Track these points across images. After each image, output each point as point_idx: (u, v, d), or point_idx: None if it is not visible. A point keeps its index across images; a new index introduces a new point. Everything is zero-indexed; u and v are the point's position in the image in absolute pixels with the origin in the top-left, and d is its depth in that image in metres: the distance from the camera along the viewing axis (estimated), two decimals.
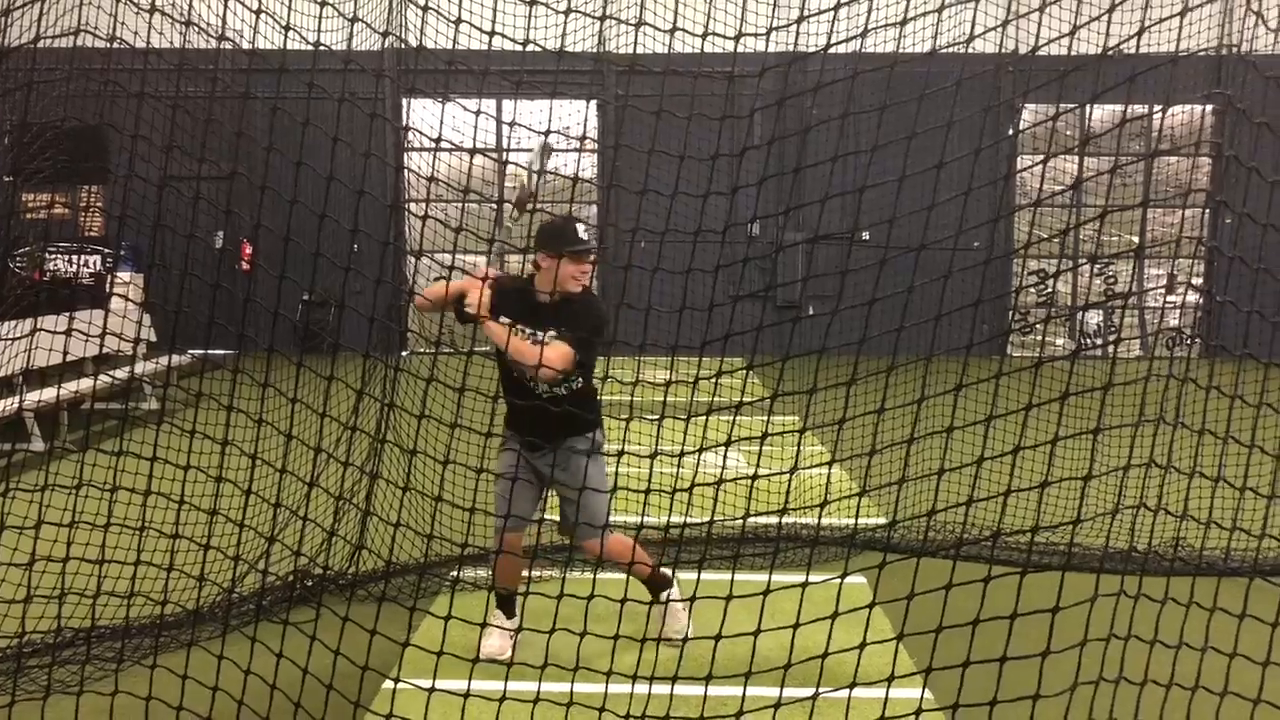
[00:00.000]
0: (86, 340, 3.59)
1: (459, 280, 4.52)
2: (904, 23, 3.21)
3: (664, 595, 4.93)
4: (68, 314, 3.66)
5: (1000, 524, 3.10)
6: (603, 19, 3.86)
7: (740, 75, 3.84)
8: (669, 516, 3.60)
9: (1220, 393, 3.13)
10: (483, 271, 4.59)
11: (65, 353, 3.97)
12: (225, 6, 3.56)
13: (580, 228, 4.70)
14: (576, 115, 15.57)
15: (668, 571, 5.00)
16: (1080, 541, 4.04)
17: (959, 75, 3.36)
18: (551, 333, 4.60)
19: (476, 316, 4.51)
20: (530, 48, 3.50)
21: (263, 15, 3.44)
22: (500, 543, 4.58)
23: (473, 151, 3.51)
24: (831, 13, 3.18)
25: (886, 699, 3.04)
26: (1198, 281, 14.63)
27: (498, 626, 4.69)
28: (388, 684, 3.53)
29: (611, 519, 4.81)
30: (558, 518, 5.06)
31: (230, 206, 3.86)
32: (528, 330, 4.62)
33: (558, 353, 4.46)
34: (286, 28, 3.30)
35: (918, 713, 3.09)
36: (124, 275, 13.57)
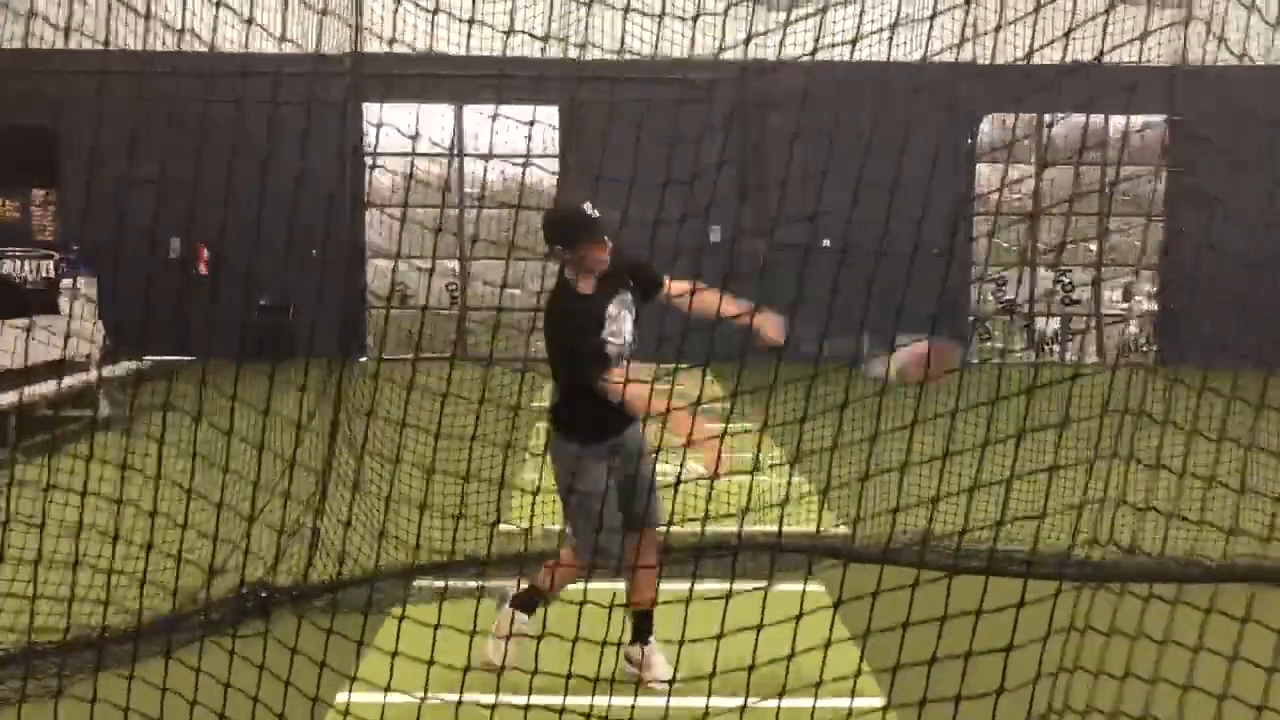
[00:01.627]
0: (48, 344, 3.50)
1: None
2: (855, 42, 3.20)
3: (650, 640, 4.65)
4: (20, 320, 3.56)
5: (965, 526, 3.10)
6: (545, 39, 3.78)
7: (696, 86, 3.81)
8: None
9: (1175, 426, 3.14)
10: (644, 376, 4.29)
11: (35, 356, 3.86)
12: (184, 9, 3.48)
13: (587, 206, 4.49)
14: (530, 124, 15.50)
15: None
16: (1040, 549, 4.11)
17: (917, 81, 3.36)
18: (624, 314, 4.47)
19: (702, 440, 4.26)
20: (485, 49, 3.46)
21: (220, 18, 3.36)
22: (592, 556, 4.27)
23: (414, 155, 3.45)
24: (806, 19, 3.16)
25: (851, 710, 3.01)
26: (1151, 289, 14.83)
27: (517, 633, 4.42)
28: (342, 695, 3.45)
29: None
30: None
31: (183, 210, 3.78)
32: (610, 315, 4.48)
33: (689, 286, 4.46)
34: (249, 21, 3.23)
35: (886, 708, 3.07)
36: (75, 280, 13.35)
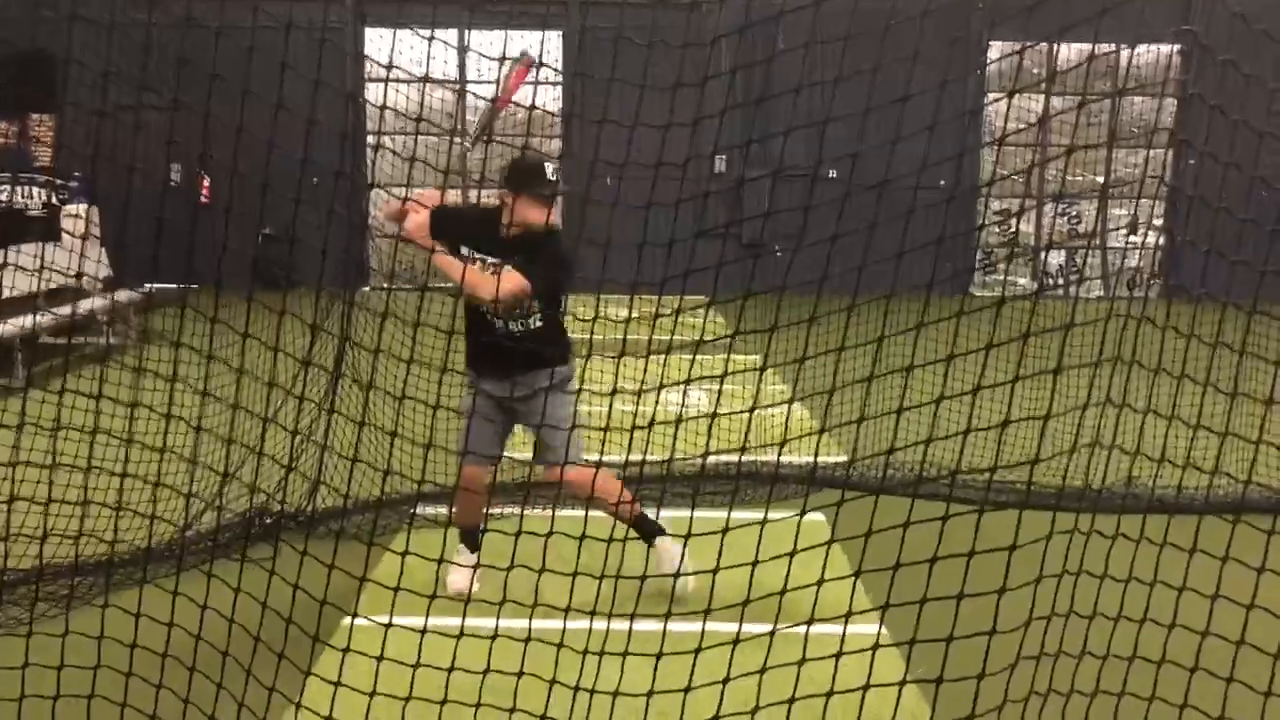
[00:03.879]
0: (53, 273, 3.50)
1: (402, 201, 4.47)
2: None
3: (657, 540, 4.93)
4: (16, 247, 3.56)
5: (959, 463, 3.12)
6: None
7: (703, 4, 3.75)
8: (627, 454, 3.58)
9: (1176, 332, 3.15)
10: (433, 195, 4.54)
11: (41, 284, 3.86)
12: None
13: (549, 168, 4.66)
14: (536, 45, 15.32)
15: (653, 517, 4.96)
16: (1037, 480, 4.10)
17: (925, 7, 3.30)
18: (507, 266, 4.56)
19: (416, 241, 4.46)
20: None
21: None
22: (459, 478, 4.58)
23: (427, 80, 3.42)
24: None
25: (844, 635, 3.06)
26: (1159, 222, 14.74)
27: (458, 564, 4.70)
28: (346, 620, 3.51)
29: (589, 457, 4.78)
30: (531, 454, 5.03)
31: (186, 138, 3.75)
32: (489, 260, 4.59)
33: (511, 281, 4.44)
34: None
35: (874, 648, 3.12)
36: (76, 208, 13.27)
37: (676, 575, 4.34)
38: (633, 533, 4.82)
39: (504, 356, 4.63)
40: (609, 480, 4.72)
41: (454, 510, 4.93)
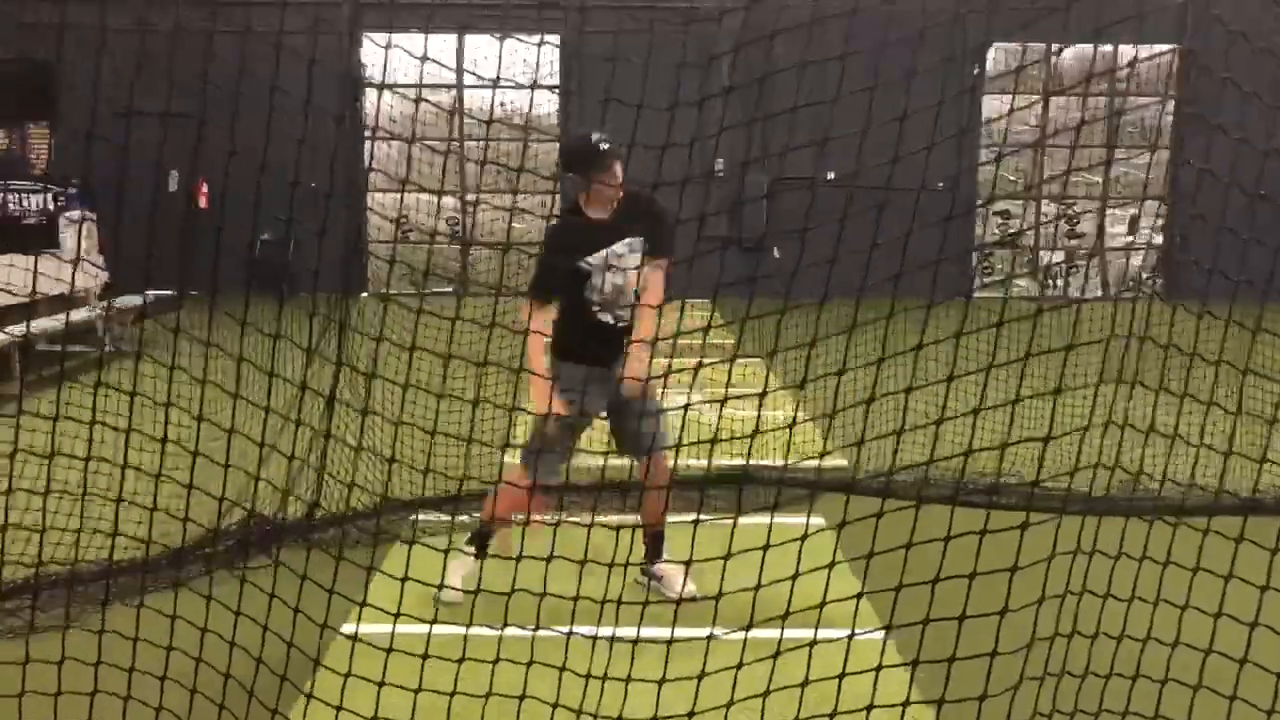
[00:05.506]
0: (51, 280, 3.47)
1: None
2: None
3: (662, 557, 4.91)
4: (18, 254, 3.54)
5: (964, 470, 3.10)
6: None
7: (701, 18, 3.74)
8: (630, 464, 3.56)
9: (1179, 350, 3.13)
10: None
11: (36, 290, 3.84)
12: None
13: (595, 135, 4.62)
14: (535, 55, 15.30)
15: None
16: (1041, 483, 4.11)
17: (924, 14, 3.28)
18: (628, 243, 4.51)
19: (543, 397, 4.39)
20: None
21: None
22: (535, 473, 4.51)
23: (422, 86, 3.40)
24: None
25: (848, 650, 3.04)
26: (1159, 224, 14.72)
27: (462, 557, 4.63)
28: (343, 638, 3.47)
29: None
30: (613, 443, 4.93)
31: (183, 147, 3.73)
32: (606, 255, 4.55)
33: (657, 294, 4.48)
34: None
35: (878, 669, 3.09)
36: (75, 214, 13.26)
37: (679, 601, 4.22)
38: (641, 549, 4.79)
39: (611, 345, 4.62)
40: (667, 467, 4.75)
41: (491, 508, 4.81)
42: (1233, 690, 2.93)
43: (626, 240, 4.57)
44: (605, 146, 4.55)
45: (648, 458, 4.60)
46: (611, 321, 4.65)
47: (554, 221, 4.92)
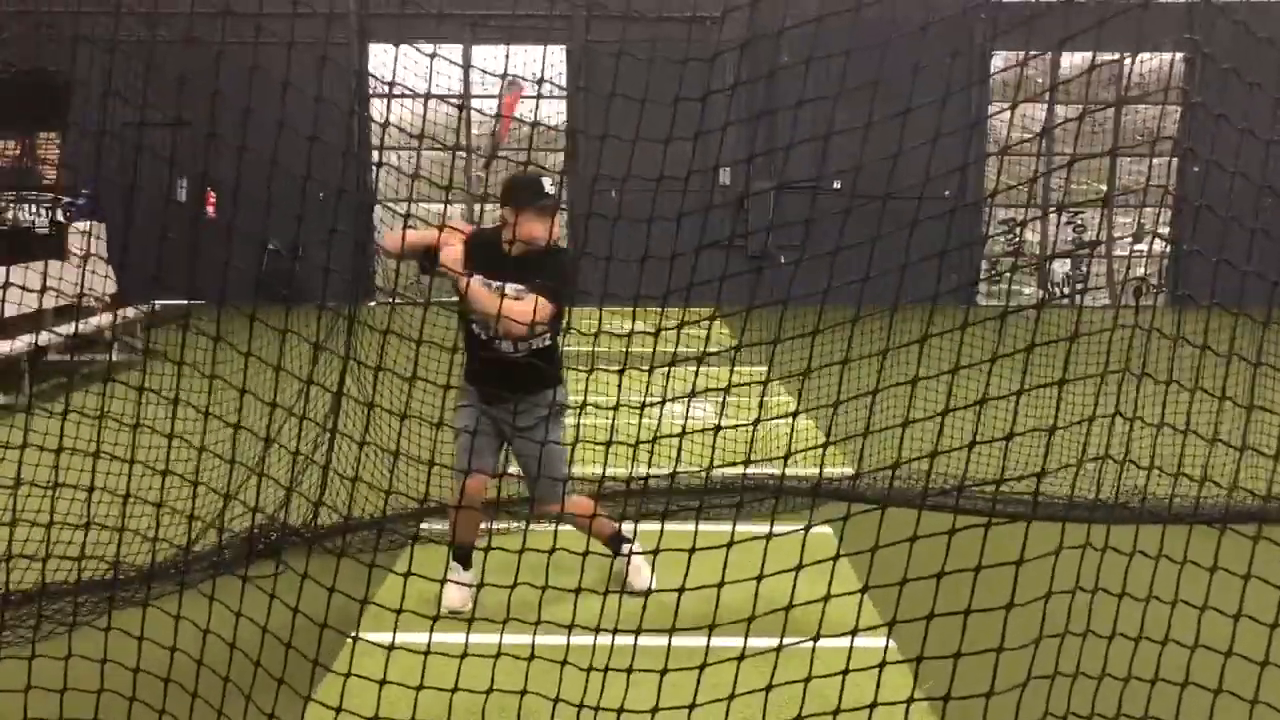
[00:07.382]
0: (58, 293, 3.50)
1: (428, 230, 4.46)
2: None
3: (625, 549, 4.98)
4: (26, 264, 3.57)
5: (965, 474, 3.10)
6: None
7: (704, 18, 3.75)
8: (632, 468, 3.57)
9: (1187, 342, 3.13)
10: (459, 224, 4.54)
11: (45, 302, 3.84)
12: None
13: (547, 182, 4.66)
14: (539, 60, 15.33)
15: (626, 528, 5.04)
16: (1045, 491, 4.06)
17: (927, 19, 3.30)
18: (517, 286, 4.54)
19: (451, 272, 4.44)
20: None
21: None
22: (460, 494, 4.57)
23: (428, 97, 3.42)
24: None
25: (851, 650, 3.04)
26: (1164, 230, 14.69)
27: (455, 582, 4.68)
28: (348, 641, 3.48)
29: (572, 475, 4.83)
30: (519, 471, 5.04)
31: (192, 155, 3.75)
32: (494, 284, 4.56)
33: (545, 309, 4.43)
34: None
35: (881, 665, 3.09)
36: (83, 225, 13.30)
37: (647, 594, 4.18)
38: (605, 548, 4.99)
39: (505, 376, 4.60)
40: (585, 501, 4.95)
41: (452, 526, 4.90)
42: (1253, 694, 2.92)
43: (521, 286, 4.57)
44: (550, 192, 4.61)
45: (543, 503, 4.74)
46: (508, 347, 4.66)
47: (484, 226, 4.98)
